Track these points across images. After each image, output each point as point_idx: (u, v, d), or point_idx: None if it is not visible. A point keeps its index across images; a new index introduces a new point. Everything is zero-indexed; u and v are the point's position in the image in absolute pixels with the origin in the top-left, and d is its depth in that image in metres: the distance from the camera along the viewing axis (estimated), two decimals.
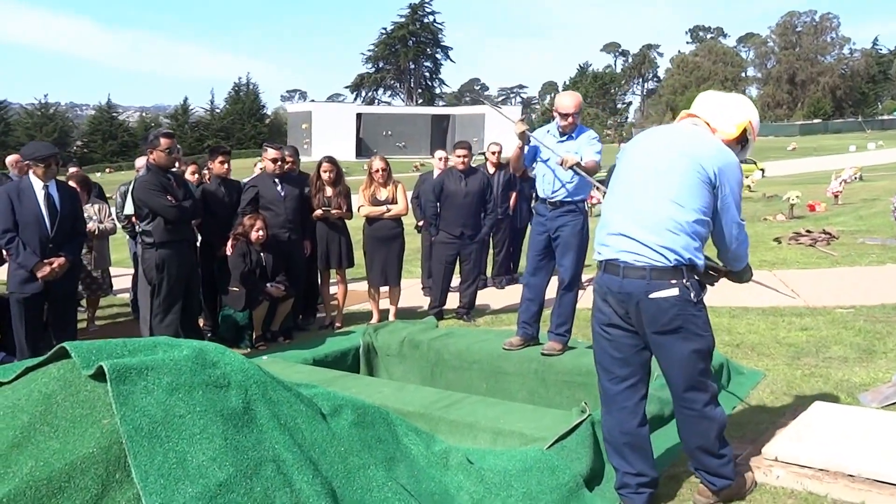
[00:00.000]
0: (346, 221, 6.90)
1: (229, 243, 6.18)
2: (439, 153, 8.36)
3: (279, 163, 6.46)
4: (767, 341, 5.80)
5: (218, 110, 76.74)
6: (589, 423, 3.58)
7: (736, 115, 3.14)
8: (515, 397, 4.96)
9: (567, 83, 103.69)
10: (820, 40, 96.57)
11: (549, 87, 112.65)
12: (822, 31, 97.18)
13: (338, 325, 6.82)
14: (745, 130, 3.14)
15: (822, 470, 3.23)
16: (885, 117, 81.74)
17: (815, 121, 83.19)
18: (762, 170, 34.88)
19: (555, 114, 5.10)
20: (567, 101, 5.01)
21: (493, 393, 5.04)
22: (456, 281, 7.37)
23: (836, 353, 5.38)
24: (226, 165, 6.59)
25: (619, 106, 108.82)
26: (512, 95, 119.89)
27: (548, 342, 5.15)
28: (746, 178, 25.86)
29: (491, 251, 8.80)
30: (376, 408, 3.21)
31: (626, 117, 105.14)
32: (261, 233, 6.15)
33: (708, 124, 3.13)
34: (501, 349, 5.24)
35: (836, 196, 17.26)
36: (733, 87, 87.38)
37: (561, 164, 4.80)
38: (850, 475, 2.65)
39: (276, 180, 6.44)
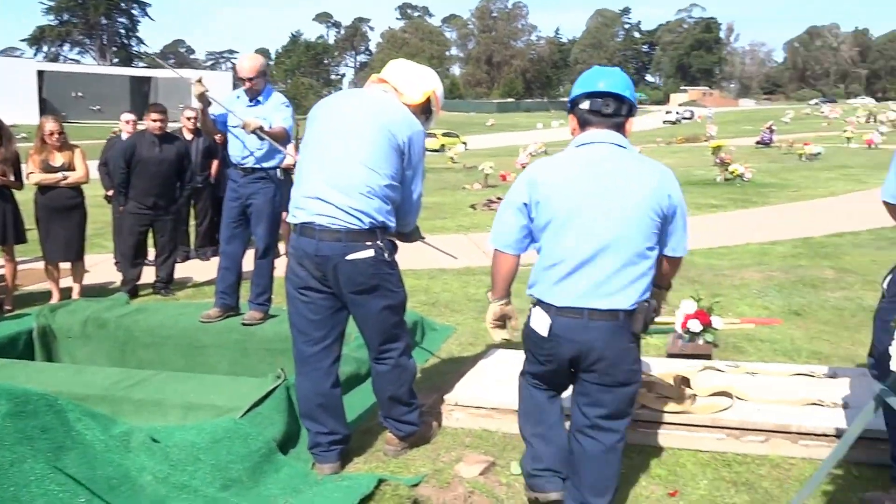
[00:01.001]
0: (16, 192, 6.09)
1: None
2: (126, 115, 7.73)
3: None
4: (459, 299, 6.26)
5: None
6: (284, 388, 3.58)
7: (422, 83, 3.28)
8: (216, 369, 4.81)
9: (279, 51, 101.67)
10: (512, 26, 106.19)
11: (261, 54, 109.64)
12: (514, 18, 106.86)
13: (8, 307, 6.01)
14: (429, 99, 3.29)
15: (494, 409, 3.58)
16: (565, 99, 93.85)
17: (510, 100, 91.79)
18: (464, 143, 37.71)
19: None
20: (245, 65, 4.91)
21: (192, 367, 4.84)
22: (152, 255, 6.89)
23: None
24: None
25: (332, 77, 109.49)
26: (222, 60, 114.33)
27: (248, 311, 5.05)
28: (450, 150, 27.87)
29: (193, 222, 8.39)
30: (41, 395, 2.89)
31: (340, 88, 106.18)
32: None
33: (396, 90, 3.23)
34: (199, 322, 5.03)
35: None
36: (439, 64, 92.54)
37: (243, 128, 4.69)
38: (516, 411, 2.97)
39: None
